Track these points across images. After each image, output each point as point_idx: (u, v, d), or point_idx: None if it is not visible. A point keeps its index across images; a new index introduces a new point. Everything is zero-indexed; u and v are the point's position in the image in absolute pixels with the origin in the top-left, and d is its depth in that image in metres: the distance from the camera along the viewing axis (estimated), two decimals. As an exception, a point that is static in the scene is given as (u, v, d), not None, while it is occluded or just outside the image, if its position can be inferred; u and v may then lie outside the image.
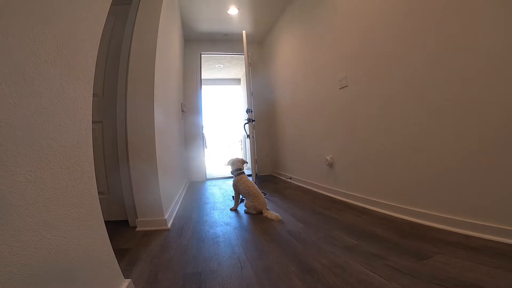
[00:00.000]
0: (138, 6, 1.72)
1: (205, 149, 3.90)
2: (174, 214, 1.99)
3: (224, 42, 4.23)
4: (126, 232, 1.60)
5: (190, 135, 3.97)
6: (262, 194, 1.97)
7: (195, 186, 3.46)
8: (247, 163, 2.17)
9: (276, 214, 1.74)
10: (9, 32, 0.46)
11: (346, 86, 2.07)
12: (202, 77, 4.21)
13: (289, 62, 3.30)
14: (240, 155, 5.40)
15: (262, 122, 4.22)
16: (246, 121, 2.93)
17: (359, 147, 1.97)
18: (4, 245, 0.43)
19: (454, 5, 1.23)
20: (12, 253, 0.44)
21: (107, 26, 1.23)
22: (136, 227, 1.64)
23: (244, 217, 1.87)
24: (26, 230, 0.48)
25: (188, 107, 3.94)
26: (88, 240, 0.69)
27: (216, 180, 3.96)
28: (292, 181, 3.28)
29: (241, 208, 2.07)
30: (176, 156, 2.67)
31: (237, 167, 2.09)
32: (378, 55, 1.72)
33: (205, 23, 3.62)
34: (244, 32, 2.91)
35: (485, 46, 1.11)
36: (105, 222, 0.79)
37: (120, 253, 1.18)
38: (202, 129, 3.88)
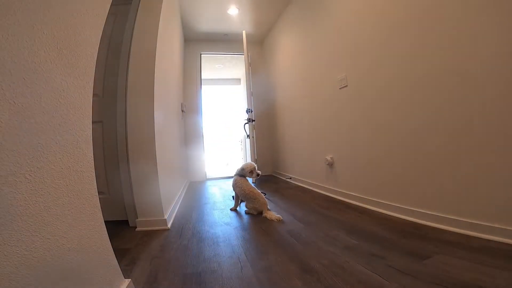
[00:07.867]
0: (138, 6, 1.72)
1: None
2: (174, 214, 1.99)
3: (224, 42, 4.22)
4: (126, 232, 1.60)
5: (190, 135, 3.97)
6: (263, 195, 1.97)
7: (195, 186, 3.46)
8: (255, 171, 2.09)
9: (277, 214, 1.73)
10: (9, 31, 0.46)
11: (346, 86, 2.07)
12: (202, 77, 4.21)
13: (289, 62, 3.30)
14: (239, 155, 5.39)
15: (262, 122, 4.21)
16: (246, 121, 2.93)
17: (359, 147, 1.97)
18: (4, 245, 0.43)
19: (454, 6, 1.23)
20: (12, 253, 0.44)
21: (107, 26, 1.23)
22: (136, 227, 1.64)
23: (244, 217, 1.87)
24: (26, 230, 0.48)
25: (188, 107, 3.94)
26: (88, 240, 0.69)
27: (216, 180, 3.96)
28: (292, 181, 3.28)
29: (242, 208, 2.06)
30: (176, 156, 2.67)
31: (242, 173, 2.05)
32: (378, 55, 1.72)
33: (205, 23, 3.62)
34: (244, 32, 2.91)
35: (484, 47, 1.11)
36: (105, 222, 0.79)
37: (120, 253, 1.18)
38: None
